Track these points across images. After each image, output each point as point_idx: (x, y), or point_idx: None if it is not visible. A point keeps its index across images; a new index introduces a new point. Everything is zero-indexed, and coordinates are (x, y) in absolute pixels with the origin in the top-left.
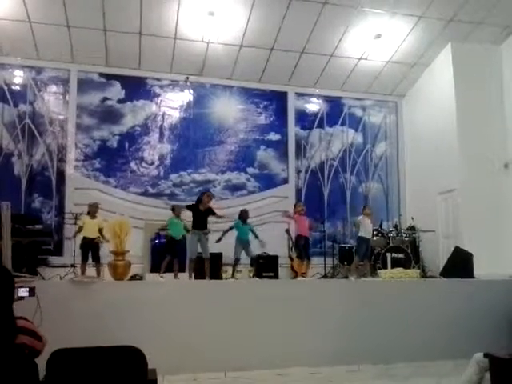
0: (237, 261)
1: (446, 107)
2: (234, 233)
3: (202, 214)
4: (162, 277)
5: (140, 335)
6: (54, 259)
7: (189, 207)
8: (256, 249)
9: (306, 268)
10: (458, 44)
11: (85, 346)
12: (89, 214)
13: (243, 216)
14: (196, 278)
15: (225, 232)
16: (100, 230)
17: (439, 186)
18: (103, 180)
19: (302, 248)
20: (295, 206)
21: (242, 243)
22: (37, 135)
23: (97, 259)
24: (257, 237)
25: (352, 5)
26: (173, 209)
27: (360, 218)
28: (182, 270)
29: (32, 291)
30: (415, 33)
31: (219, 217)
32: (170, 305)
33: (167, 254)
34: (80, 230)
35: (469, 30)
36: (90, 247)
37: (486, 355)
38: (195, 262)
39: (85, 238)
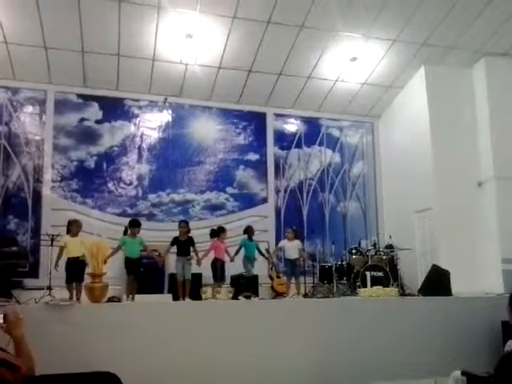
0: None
1: (421, 128)
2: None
3: (182, 244)
4: (133, 299)
5: (117, 360)
6: (29, 281)
7: (172, 242)
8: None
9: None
10: (431, 67)
11: (59, 373)
12: (68, 232)
13: (249, 232)
14: (174, 299)
15: (236, 253)
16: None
17: (415, 205)
18: (80, 201)
19: (218, 270)
20: (223, 232)
21: (250, 260)
22: (12, 156)
23: (81, 279)
24: (263, 254)
25: (328, 29)
26: (132, 227)
27: (283, 242)
28: (145, 291)
29: (5, 318)
30: (389, 56)
31: (195, 251)
32: (149, 327)
33: (128, 275)
34: (61, 251)
35: (441, 53)
36: (76, 266)
37: (463, 373)
38: (174, 283)
39: (70, 258)
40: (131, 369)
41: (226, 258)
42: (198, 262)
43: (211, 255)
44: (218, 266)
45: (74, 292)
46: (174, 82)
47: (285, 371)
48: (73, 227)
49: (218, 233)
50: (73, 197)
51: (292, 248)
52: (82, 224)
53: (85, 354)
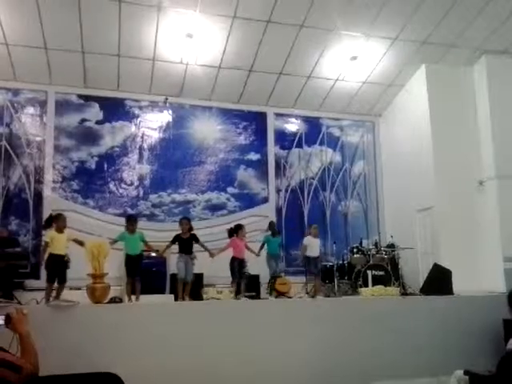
0: (274, 277)
1: (422, 126)
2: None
3: (185, 241)
4: (137, 299)
5: (119, 361)
6: (30, 282)
7: (173, 240)
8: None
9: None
10: (432, 65)
11: (61, 374)
12: (49, 227)
13: (272, 228)
14: (176, 299)
15: (260, 249)
16: (78, 242)
17: (417, 204)
18: (81, 201)
19: (237, 269)
20: (241, 229)
21: (274, 257)
22: (14, 157)
23: (63, 280)
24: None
25: (328, 28)
26: (129, 222)
27: (306, 238)
28: (147, 291)
29: (8, 319)
30: (390, 54)
31: (203, 245)
32: (151, 328)
33: (128, 275)
34: (47, 246)
35: (441, 51)
36: (58, 265)
37: (466, 372)
38: (175, 283)
39: (53, 254)
40: (133, 369)
41: (247, 256)
42: (211, 255)
43: (229, 253)
44: (235, 265)
45: (56, 292)
46: (175, 82)
47: (285, 370)
48: (59, 222)
49: (235, 230)
50: (74, 197)
51: (316, 245)
52: (66, 218)
53: (86, 355)
